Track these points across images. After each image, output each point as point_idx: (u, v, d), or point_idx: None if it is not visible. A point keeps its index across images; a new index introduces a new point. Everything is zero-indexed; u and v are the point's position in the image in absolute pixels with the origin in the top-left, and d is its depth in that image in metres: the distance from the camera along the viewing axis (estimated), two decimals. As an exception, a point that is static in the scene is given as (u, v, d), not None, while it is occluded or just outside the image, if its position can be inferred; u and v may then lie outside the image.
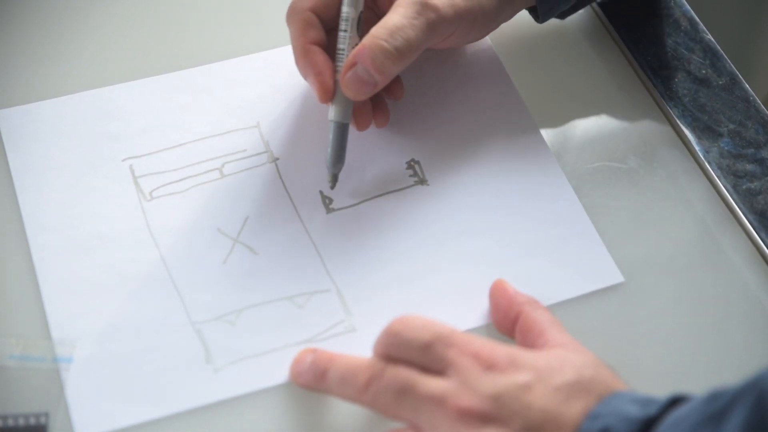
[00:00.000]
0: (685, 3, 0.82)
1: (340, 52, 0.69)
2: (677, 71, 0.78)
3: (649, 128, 0.76)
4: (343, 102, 0.69)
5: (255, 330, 0.65)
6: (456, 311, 0.67)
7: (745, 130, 0.75)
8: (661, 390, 0.58)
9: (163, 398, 0.63)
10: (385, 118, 0.73)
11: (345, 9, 0.69)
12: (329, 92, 0.69)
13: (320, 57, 0.69)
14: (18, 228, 0.69)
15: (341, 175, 0.71)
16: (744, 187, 0.73)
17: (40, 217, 0.69)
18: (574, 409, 0.56)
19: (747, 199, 0.72)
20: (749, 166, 0.74)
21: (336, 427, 0.63)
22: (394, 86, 0.73)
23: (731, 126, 0.76)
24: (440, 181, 0.72)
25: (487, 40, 0.79)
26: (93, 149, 0.72)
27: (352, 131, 0.71)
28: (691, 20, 0.81)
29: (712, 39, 0.80)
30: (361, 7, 0.70)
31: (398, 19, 0.67)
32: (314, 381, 0.62)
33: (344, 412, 0.63)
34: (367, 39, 0.67)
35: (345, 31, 0.69)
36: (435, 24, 0.68)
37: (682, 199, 0.73)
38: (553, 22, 0.79)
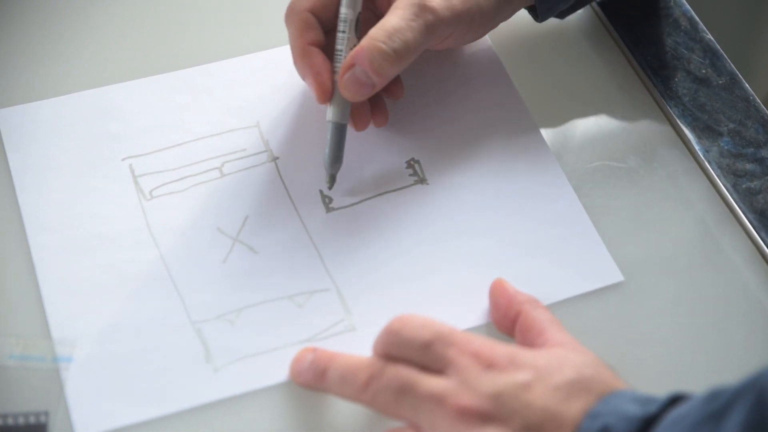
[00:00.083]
0: (685, 2, 0.82)
1: (339, 53, 0.69)
2: (677, 71, 0.78)
3: (648, 128, 0.76)
4: (341, 103, 0.69)
5: (255, 329, 0.65)
6: (456, 310, 0.67)
7: (744, 130, 0.75)
8: (660, 389, 0.58)
9: (162, 397, 0.63)
10: (383, 118, 0.73)
11: (343, 10, 0.69)
12: (327, 93, 0.69)
13: (318, 58, 0.69)
14: (18, 228, 0.69)
15: (341, 175, 0.71)
16: (744, 186, 0.73)
17: (40, 217, 0.69)
18: (574, 408, 0.56)
19: (747, 198, 0.72)
20: (749, 166, 0.74)
21: (336, 426, 0.63)
22: (394, 86, 0.73)
23: (731, 125, 0.76)
24: (440, 181, 0.72)
25: (487, 40, 0.79)
26: (93, 149, 0.72)
27: (351, 131, 0.71)
28: (690, 20, 0.81)
29: (712, 38, 0.80)
30: (359, 9, 0.70)
31: (396, 21, 0.67)
32: (314, 380, 0.62)
33: (344, 411, 0.63)
34: (366, 41, 0.67)
35: (343, 32, 0.69)
36: (433, 26, 0.68)
37: (681, 198, 0.73)
38: (553, 21, 0.79)
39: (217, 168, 0.72)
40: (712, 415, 0.52)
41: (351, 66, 0.68)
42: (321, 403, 0.63)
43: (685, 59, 0.79)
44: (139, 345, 0.64)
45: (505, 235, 0.70)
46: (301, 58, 0.70)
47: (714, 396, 0.53)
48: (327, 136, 0.70)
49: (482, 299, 0.67)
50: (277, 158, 0.73)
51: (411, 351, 0.60)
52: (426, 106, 0.75)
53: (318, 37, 0.70)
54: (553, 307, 0.66)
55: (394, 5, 0.68)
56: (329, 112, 0.70)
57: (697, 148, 0.75)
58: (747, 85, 0.77)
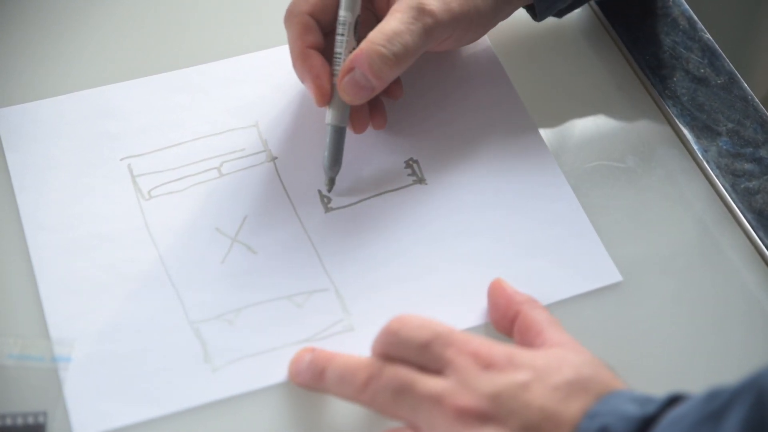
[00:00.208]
0: (684, 2, 0.82)
1: (338, 56, 0.69)
2: (676, 70, 0.78)
3: (647, 127, 0.76)
4: (340, 106, 0.69)
5: (253, 329, 0.65)
6: (454, 310, 0.67)
7: (743, 129, 0.75)
8: (659, 389, 0.58)
9: (161, 398, 0.63)
10: (382, 120, 0.73)
11: (342, 13, 0.69)
12: (326, 96, 0.69)
13: (317, 61, 0.69)
14: (17, 227, 0.69)
15: (339, 174, 0.71)
16: (742, 186, 0.73)
17: (39, 217, 0.69)
18: (573, 408, 0.56)
19: (745, 198, 0.72)
20: (747, 165, 0.74)
21: (334, 426, 0.63)
22: (393, 86, 0.73)
23: (730, 125, 0.76)
24: (439, 181, 0.72)
25: (486, 40, 0.79)
26: (92, 148, 0.72)
27: (350, 133, 0.71)
28: (689, 19, 0.81)
29: (711, 38, 0.80)
30: (358, 11, 0.70)
31: (396, 24, 0.68)
32: (312, 380, 0.62)
33: (343, 411, 0.63)
34: (365, 44, 0.67)
35: (342, 35, 0.69)
36: (432, 29, 0.68)
37: (680, 198, 0.73)
38: (551, 21, 0.79)
39: (215, 168, 0.72)
40: (711, 415, 0.52)
41: (350, 69, 0.68)
42: (320, 404, 0.63)
43: (684, 59, 0.79)
44: (137, 345, 0.64)
45: (504, 235, 0.70)
46: (300, 61, 0.70)
47: (713, 396, 0.53)
48: (326, 139, 0.70)
49: (481, 299, 0.67)
50: (276, 158, 0.73)
51: (409, 351, 0.60)
52: (425, 106, 0.75)
53: (317, 39, 0.70)
54: (551, 307, 0.66)
55: (393, 8, 0.68)
56: (328, 115, 0.70)
57: (695, 147, 0.75)
58: (745, 85, 0.77)
